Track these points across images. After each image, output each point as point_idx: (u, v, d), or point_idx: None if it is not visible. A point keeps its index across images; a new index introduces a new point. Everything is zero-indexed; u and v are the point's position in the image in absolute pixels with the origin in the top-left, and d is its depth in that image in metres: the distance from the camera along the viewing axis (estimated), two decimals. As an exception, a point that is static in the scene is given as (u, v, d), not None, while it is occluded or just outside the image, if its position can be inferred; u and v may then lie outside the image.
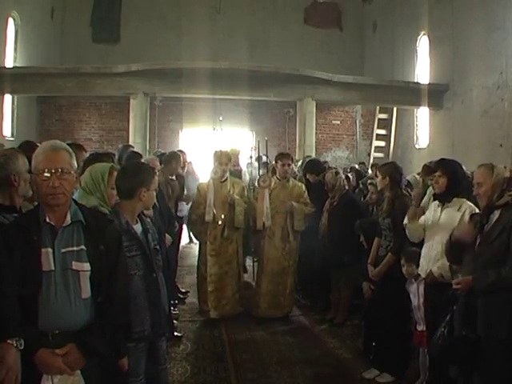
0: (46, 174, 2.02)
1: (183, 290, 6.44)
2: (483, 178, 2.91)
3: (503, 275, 2.69)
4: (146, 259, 2.66)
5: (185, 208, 6.40)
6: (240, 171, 7.29)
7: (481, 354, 2.76)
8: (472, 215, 3.12)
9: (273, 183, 5.62)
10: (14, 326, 1.89)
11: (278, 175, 5.68)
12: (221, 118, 12.07)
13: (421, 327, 3.77)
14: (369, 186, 5.56)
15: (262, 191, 5.51)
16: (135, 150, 6.87)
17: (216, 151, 5.59)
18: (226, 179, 5.51)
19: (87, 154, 4.36)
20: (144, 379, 2.70)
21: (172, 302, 4.41)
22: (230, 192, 5.43)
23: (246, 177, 7.67)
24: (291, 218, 5.48)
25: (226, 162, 5.47)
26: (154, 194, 2.85)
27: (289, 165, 5.67)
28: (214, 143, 5.53)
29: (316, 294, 6.15)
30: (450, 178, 3.47)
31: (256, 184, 6.01)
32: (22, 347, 1.89)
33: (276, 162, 5.73)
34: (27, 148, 3.30)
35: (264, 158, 7.89)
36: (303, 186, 5.75)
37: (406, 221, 3.78)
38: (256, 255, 6.04)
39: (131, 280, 2.43)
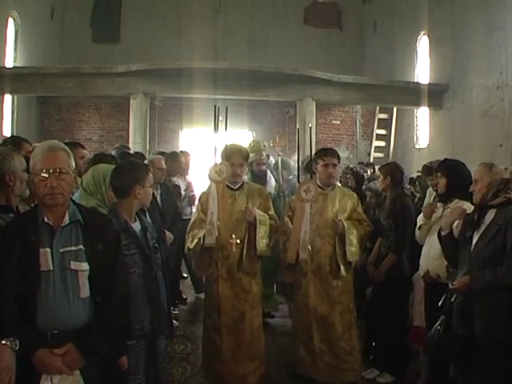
0: (43, 175, 2.02)
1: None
2: (480, 175, 2.92)
3: (499, 275, 2.72)
4: (145, 257, 2.66)
5: (186, 209, 6.29)
6: (265, 173, 5.75)
7: (478, 353, 2.77)
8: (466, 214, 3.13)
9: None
10: (9, 327, 1.89)
11: (318, 181, 3.96)
12: (221, 118, 12.03)
13: (417, 322, 3.77)
14: (366, 193, 5.50)
15: (302, 207, 3.68)
16: (134, 150, 6.85)
17: (226, 145, 3.84)
18: (242, 185, 3.87)
19: (86, 152, 4.30)
20: (143, 378, 2.70)
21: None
22: (248, 205, 3.74)
23: (272, 182, 5.85)
24: (341, 244, 3.81)
25: (241, 162, 3.80)
26: (150, 190, 2.83)
27: (334, 165, 3.93)
28: (215, 143, 3.91)
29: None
30: (449, 179, 3.49)
31: (287, 193, 4.75)
32: (17, 348, 1.89)
33: (316, 161, 4.01)
34: (13, 144, 3.30)
35: (271, 159, 6.62)
36: (355, 195, 4.13)
37: (419, 221, 3.73)
38: (291, 301, 4.24)
39: (130, 278, 2.43)
